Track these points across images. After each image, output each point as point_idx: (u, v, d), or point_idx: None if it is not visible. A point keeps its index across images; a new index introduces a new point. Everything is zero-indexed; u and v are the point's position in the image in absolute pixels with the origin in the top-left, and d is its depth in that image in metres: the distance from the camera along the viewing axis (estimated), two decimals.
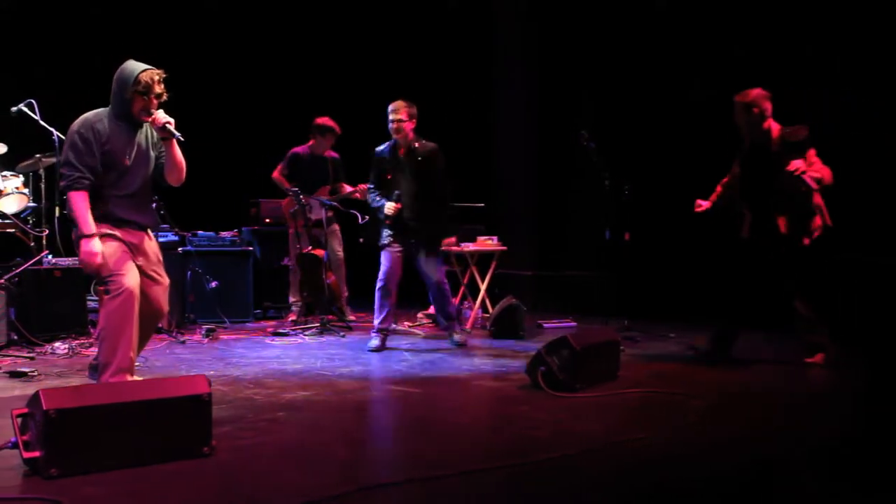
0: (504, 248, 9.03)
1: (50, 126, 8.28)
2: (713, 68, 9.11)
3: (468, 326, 8.74)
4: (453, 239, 7.35)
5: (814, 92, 8.52)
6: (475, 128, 11.88)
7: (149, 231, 5.48)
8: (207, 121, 11.33)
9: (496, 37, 11.73)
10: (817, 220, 6.51)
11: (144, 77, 5.17)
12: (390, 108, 7.40)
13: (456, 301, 9.10)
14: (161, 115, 5.21)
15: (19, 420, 3.67)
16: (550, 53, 10.96)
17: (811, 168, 6.32)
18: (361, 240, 8.27)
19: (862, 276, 8.38)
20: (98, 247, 5.08)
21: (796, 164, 6.27)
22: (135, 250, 5.29)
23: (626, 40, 10.14)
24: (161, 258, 5.54)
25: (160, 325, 8.05)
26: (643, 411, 5.11)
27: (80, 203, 5.10)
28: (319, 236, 9.05)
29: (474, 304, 9.00)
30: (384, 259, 7.45)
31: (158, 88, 5.22)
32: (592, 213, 10.06)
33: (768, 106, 6.51)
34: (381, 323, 7.45)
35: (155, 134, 5.39)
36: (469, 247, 8.92)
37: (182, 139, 5.29)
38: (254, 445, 4.24)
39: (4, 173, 8.49)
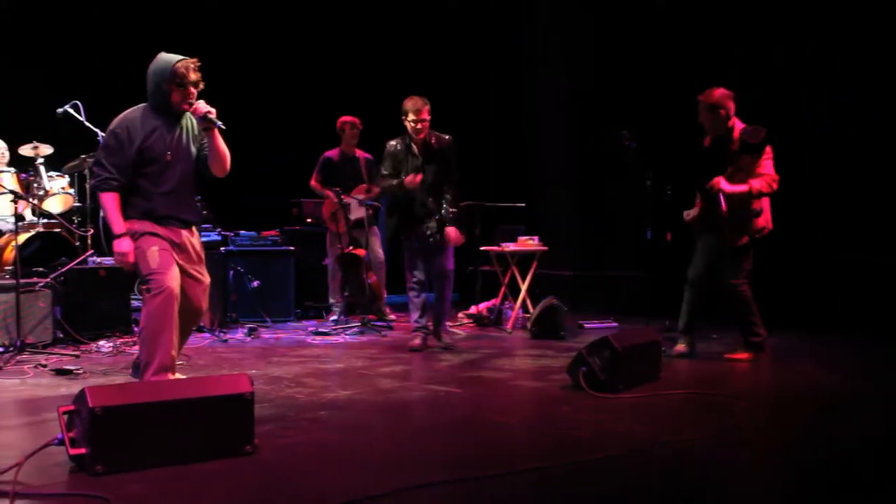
0: (545, 248, 9.01)
1: (95, 127, 8.36)
2: (759, 67, 9.04)
3: (509, 326, 8.73)
4: (456, 234, 7.23)
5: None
6: (516, 128, 11.87)
7: (193, 227, 5.45)
8: (250, 122, 11.42)
9: (537, 37, 11.70)
10: (759, 222, 6.69)
11: (180, 67, 5.13)
12: (412, 107, 7.20)
13: (497, 301, 9.10)
14: (202, 105, 5.18)
15: (66, 417, 3.70)
16: (591, 53, 10.91)
17: (755, 177, 6.55)
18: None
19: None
20: (128, 245, 5.09)
21: (717, 181, 6.56)
22: (176, 248, 5.26)
23: (668, 38, 10.08)
24: (203, 256, 5.52)
25: (202, 324, 8.13)
26: (686, 413, 5.08)
27: (110, 204, 5.11)
28: (359, 236, 9.08)
29: (515, 304, 8.98)
30: (408, 261, 7.41)
31: (195, 77, 5.19)
32: (633, 213, 10.01)
33: (732, 105, 6.68)
34: (418, 321, 7.43)
35: (195, 126, 5.37)
36: (510, 247, 8.91)
37: (224, 128, 5.25)
38: (295, 444, 4.26)
39: (51, 174, 8.61)
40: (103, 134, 8.37)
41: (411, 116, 7.21)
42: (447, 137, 7.37)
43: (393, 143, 7.39)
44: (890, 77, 8.25)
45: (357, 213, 9.08)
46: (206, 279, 5.50)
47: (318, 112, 11.29)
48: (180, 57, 5.17)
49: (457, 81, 11.92)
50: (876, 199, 8.36)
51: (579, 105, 11.04)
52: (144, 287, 5.15)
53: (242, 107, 11.37)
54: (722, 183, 6.57)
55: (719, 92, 6.67)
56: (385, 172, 7.38)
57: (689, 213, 6.99)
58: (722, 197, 6.58)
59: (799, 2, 8.83)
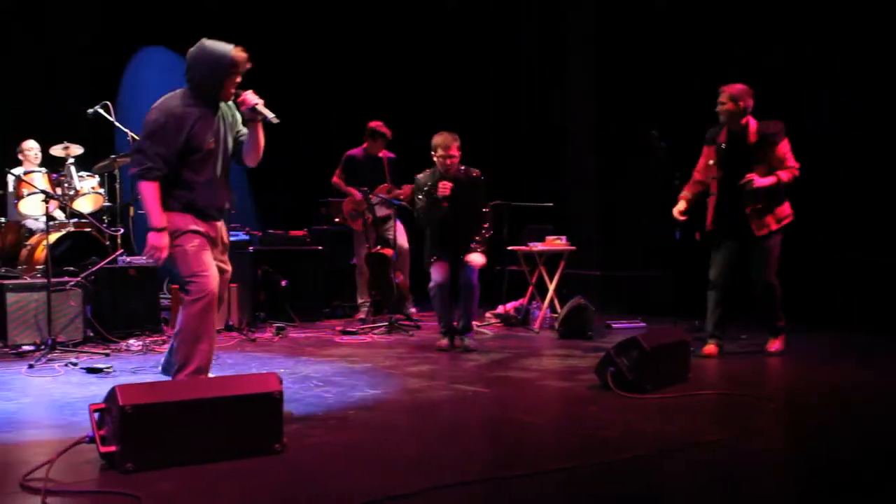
0: (573, 247, 8.98)
1: (124, 127, 8.43)
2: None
3: (536, 326, 8.72)
4: (482, 260, 7.29)
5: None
6: (544, 128, 11.85)
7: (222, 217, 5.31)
8: (278, 122, 11.47)
9: (564, 36, 11.68)
10: (784, 210, 6.82)
11: (238, 57, 4.96)
12: (441, 143, 7.22)
13: (524, 301, 9.09)
14: (251, 96, 5.04)
15: (96, 415, 3.74)
16: (618, 52, 10.87)
17: (778, 168, 6.68)
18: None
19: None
20: (165, 241, 4.90)
21: (750, 177, 6.64)
22: (210, 242, 5.12)
23: (694, 38, 10.03)
24: (228, 244, 5.42)
25: (231, 323, 8.17)
26: (715, 413, 5.06)
27: (151, 194, 4.90)
28: (386, 235, 9.09)
29: (542, 303, 8.96)
30: (433, 271, 7.36)
31: (246, 66, 5.03)
32: (661, 213, 9.96)
33: (751, 102, 6.74)
34: (445, 323, 7.42)
35: (233, 115, 5.23)
36: (537, 246, 8.89)
37: (276, 121, 5.09)
38: (323, 444, 4.27)
39: (81, 174, 8.68)
40: (133, 135, 8.54)
41: (440, 152, 7.24)
42: (475, 172, 7.40)
43: (422, 176, 7.43)
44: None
45: (382, 211, 9.10)
46: (229, 268, 5.41)
47: (346, 111, 11.34)
48: (232, 45, 4.99)
49: (487, 81, 11.92)
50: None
51: (607, 105, 11.00)
52: (185, 289, 4.97)
53: (270, 106, 11.44)
54: (755, 180, 6.62)
55: (742, 87, 6.74)
56: (421, 205, 7.41)
57: (679, 210, 7.07)
58: (755, 186, 6.63)
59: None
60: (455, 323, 7.40)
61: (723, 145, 6.85)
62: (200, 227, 5.05)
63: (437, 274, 7.30)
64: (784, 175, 6.67)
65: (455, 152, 7.24)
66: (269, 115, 5.06)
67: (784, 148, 6.74)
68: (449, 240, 7.34)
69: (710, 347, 6.89)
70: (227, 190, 5.28)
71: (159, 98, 5.04)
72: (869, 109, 8.36)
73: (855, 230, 8.46)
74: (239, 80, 5.03)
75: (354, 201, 9.06)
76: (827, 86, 8.56)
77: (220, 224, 5.27)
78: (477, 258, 7.33)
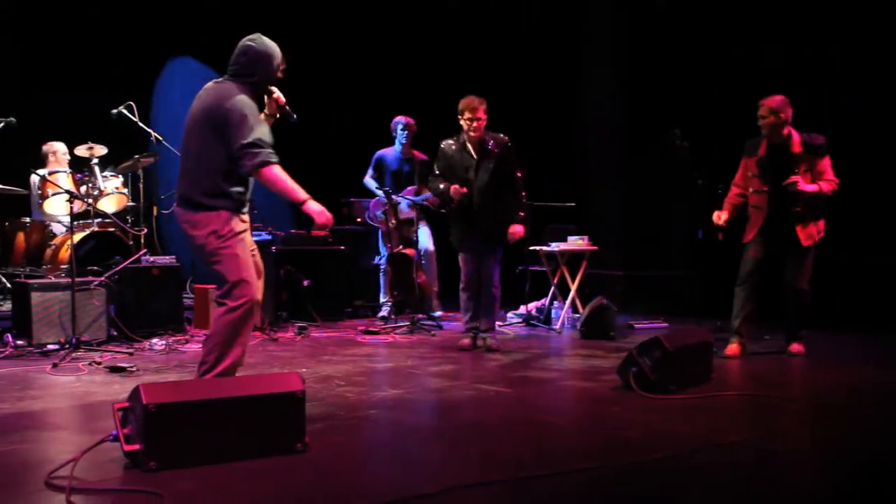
0: (594, 247, 8.96)
1: (147, 127, 8.49)
2: (815, 65, 8.98)
3: (558, 326, 8.71)
4: (522, 231, 7.20)
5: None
6: (565, 128, 11.83)
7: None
8: (300, 122, 11.50)
9: (585, 36, 11.67)
10: (821, 224, 6.91)
11: (282, 55, 4.99)
12: (468, 105, 7.15)
13: (546, 301, 9.08)
14: (280, 94, 5.09)
15: (120, 413, 3.76)
16: (639, 52, 10.86)
17: (818, 180, 6.75)
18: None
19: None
20: (321, 206, 4.88)
21: (795, 178, 6.67)
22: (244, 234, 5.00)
23: (717, 36, 10.01)
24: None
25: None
26: (739, 414, 5.04)
27: (280, 175, 4.79)
28: (409, 235, 9.10)
29: (564, 304, 8.95)
30: (462, 262, 7.38)
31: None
32: (683, 212, 9.94)
33: (790, 112, 6.78)
34: (469, 322, 7.44)
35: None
36: (559, 246, 8.87)
37: (296, 119, 5.16)
38: (346, 443, 4.28)
39: (105, 174, 8.73)
40: (156, 135, 8.59)
41: (467, 115, 7.16)
42: (503, 137, 7.29)
43: (448, 142, 7.34)
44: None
45: (407, 212, 9.11)
46: (258, 260, 5.19)
47: (369, 111, 11.35)
48: (280, 49, 5.00)
49: (506, 81, 11.91)
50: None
51: (629, 104, 10.98)
52: (229, 293, 4.83)
53: (295, 104, 11.47)
54: (800, 182, 6.65)
55: (781, 97, 6.77)
56: (437, 172, 7.34)
57: (721, 216, 7.06)
58: (801, 190, 6.68)
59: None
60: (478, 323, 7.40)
61: (765, 158, 6.86)
62: (246, 225, 4.99)
63: (467, 266, 7.32)
64: (826, 186, 6.73)
65: (482, 115, 7.15)
66: (293, 115, 5.12)
67: (826, 162, 6.80)
68: (480, 220, 7.21)
69: (734, 347, 6.87)
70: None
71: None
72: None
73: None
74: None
75: (382, 202, 9.07)
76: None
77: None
78: (518, 229, 7.27)
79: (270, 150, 4.79)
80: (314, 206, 4.86)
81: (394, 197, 8.96)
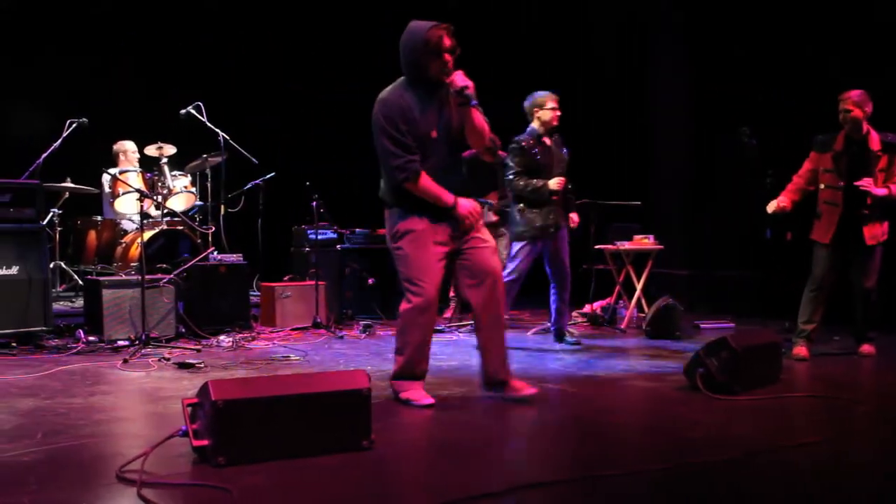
0: (660, 246, 8.88)
1: (216, 127, 8.60)
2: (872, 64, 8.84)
3: (623, 326, 8.65)
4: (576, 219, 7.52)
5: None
6: (633, 126, 11.76)
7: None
8: (364, 119, 11.55)
9: (652, 36, 11.59)
10: (885, 225, 6.80)
11: (433, 35, 4.72)
12: (550, 96, 7.25)
13: (611, 300, 9.03)
14: (458, 78, 4.79)
15: (189, 409, 3.80)
16: (707, 48, 10.75)
17: (890, 181, 6.67)
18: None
19: None
20: (472, 204, 4.89)
21: (867, 182, 6.57)
22: (445, 224, 4.92)
23: (785, 32, 9.88)
24: (480, 224, 5.09)
25: (318, 320, 8.25)
26: (806, 416, 4.97)
27: (428, 184, 4.77)
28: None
29: (629, 303, 8.89)
30: (525, 254, 7.36)
31: (449, 43, 4.76)
32: (751, 211, 9.80)
33: (870, 108, 6.65)
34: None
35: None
36: (625, 245, 8.81)
37: (477, 105, 4.88)
38: (411, 441, 4.30)
39: (174, 173, 8.87)
40: (224, 135, 8.70)
41: (550, 104, 7.25)
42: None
43: (524, 138, 7.31)
44: None
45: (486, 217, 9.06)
46: (491, 242, 5.13)
47: None
48: (432, 23, 4.77)
49: (580, 81, 11.86)
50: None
51: (696, 101, 10.88)
52: (405, 290, 4.98)
53: (359, 105, 11.53)
54: (871, 185, 6.58)
55: (862, 91, 6.66)
56: (519, 170, 7.30)
57: (775, 206, 6.97)
58: (870, 194, 6.61)
59: None
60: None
61: (843, 154, 6.73)
62: (425, 224, 4.90)
63: (526, 262, 7.37)
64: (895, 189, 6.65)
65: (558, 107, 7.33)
66: (474, 101, 4.85)
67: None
68: (555, 212, 7.34)
69: (803, 350, 6.77)
70: (459, 176, 5.07)
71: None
72: None
73: None
74: (448, 59, 4.77)
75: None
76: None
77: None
78: (575, 217, 7.59)
79: (407, 162, 4.75)
80: (460, 208, 4.88)
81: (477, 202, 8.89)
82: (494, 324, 5.06)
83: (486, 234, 5.12)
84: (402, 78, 4.91)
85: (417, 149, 4.80)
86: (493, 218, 8.94)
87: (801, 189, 6.96)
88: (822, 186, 6.83)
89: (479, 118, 4.94)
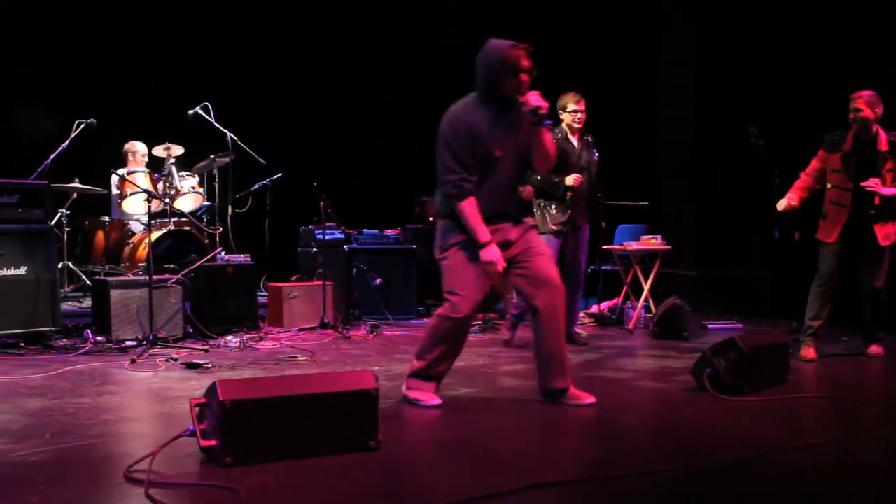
0: (668, 247, 8.87)
1: (224, 128, 8.61)
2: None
3: (630, 326, 8.64)
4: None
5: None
6: (639, 126, 11.75)
7: (524, 222, 5.05)
8: (375, 120, 11.57)
9: (656, 36, 11.59)
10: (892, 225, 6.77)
11: (512, 54, 4.72)
12: (574, 98, 7.40)
13: (618, 300, 9.02)
14: (533, 98, 4.77)
15: (197, 409, 3.81)
16: (712, 49, 10.74)
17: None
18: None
19: None
20: (497, 253, 4.80)
21: (875, 181, 6.56)
22: (504, 246, 4.92)
23: (792, 34, 9.86)
24: (545, 250, 5.15)
25: (326, 320, 8.26)
26: (814, 416, 4.97)
27: (472, 210, 4.78)
28: None
29: (637, 303, 8.88)
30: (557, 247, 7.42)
31: (526, 64, 4.75)
32: (758, 211, 9.78)
33: (881, 110, 6.64)
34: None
35: (523, 116, 4.91)
36: (632, 245, 8.80)
37: (549, 124, 4.92)
38: (418, 441, 4.30)
39: (182, 173, 8.88)
40: (232, 136, 8.71)
41: (572, 107, 7.40)
42: (589, 136, 7.66)
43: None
44: None
45: None
46: (546, 251, 5.17)
47: (441, 108, 11.36)
48: (511, 43, 4.76)
49: (587, 81, 11.85)
50: None
51: (703, 103, 10.86)
52: (444, 301, 4.98)
53: (367, 105, 11.54)
54: (878, 185, 6.57)
55: (873, 92, 6.66)
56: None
57: (785, 204, 6.98)
58: (877, 198, 6.62)
59: None
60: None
61: (852, 154, 6.73)
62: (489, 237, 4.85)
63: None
64: None
65: (583, 107, 7.44)
66: (546, 121, 4.86)
67: None
68: (572, 210, 7.42)
69: (811, 350, 6.75)
70: (517, 197, 5.10)
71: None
72: None
73: None
74: (524, 79, 4.78)
75: None
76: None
77: (517, 229, 5.01)
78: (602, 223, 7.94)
79: (461, 179, 4.77)
80: (486, 252, 4.82)
81: None
82: (556, 333, 4.98)
83: (540, 242, 5.13)
84: (474, 94, 4.91)
85: (477, 169, 4.81)
86: None
87: (809, 187, 6.96)
88: (829, 186, 6.83)
89: (549, 140, 4.97)
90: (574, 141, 7.46)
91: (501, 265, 4.83)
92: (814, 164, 6.94)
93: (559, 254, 7.37)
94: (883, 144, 6.63)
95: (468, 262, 4.88)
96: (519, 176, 5.07)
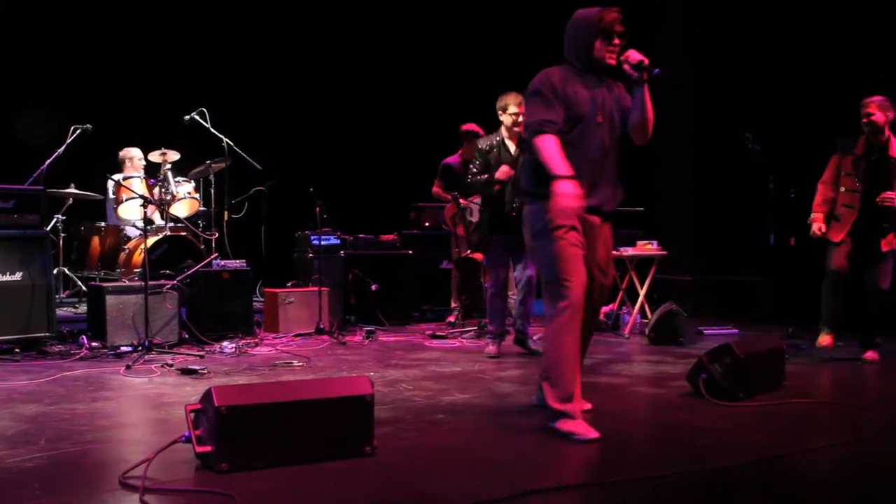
0: (663, 252, 8.88)
1: (220, 133, 8.61)
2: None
3: (626, 332, 8.64)
4: None
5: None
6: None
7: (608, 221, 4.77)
8: (369, 126, 11.57)
9: (657, 36, 11.59)
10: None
11: (606, 15, 4.51)
12: (514, 101, 7.02)
13: (614, 306, 9.02)
14: (633, 54, 4.49)
15: (192, 415, 3.80)
16: (709, 54, 10.76)
17: None
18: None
19: None
20: (573, 188, 4.24)
21: (891, 195, 6.60)
22: (585, 237, 4.57)
23: (790, 37, 9.88)
24: (612, 248, 4.88)
25: (322, 326, 8.25)
26: (810, 422, 4.96)
27: (550, 144, 4.37)
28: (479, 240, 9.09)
29: (633, 309, 8.88)
30: (492, 260, 7.33)
31: (620, 28, 4.53)
32: (754, 216, 9.80)
33: (892, 115, 6.68)
34: (497, 329, 7.31)
35: (620, 92, 4.72)
36: (628, 251, 8.80)
37: (657, 72, 4.53)
38: (414, 446, 4.29)
39: (178, 179, 8.87)
40: (228, 141, 8.72)
41: (512, 109, 7.06)
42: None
43: (485, 140, 7.28)
44: None
45: (477, 216, 9.09)
46: (607, 280, 4.82)
47: (436, 116, 11.38)
48: (601, 8, 4.55)
49: None
50: None
51: (698, 107, 10.88)
52: (549, 292, 4.52)
53: (362, 112, 11.55)
54: (894, 199, 6.62)
55: (884, 97, 6.71)
56: (475, 170, 7.23)
57: (818, 225, 6.99)
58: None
59: None
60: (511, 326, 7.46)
61: (863, 158, 6.78)
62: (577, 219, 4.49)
63: (496, 269, 7.27)
64: None
65: (524, 109, 7.10)
66: (655, 69, 4.52)
67: None
68: (509, 206, 7.07)
69: (828, 338, 6.80)
70: (611, 180, 4.80)
71: None
72: None
73: None
74: (618, 42, 4.55)
75: (454, 207, 9.09)
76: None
77: (599, 220, 4.73)
78: None
79: (545, 119, 4.43)
80: (559, 186, 4.28)
81: (468, 203, 8.93)
82: (587, 331, 4.73)
83: (611, 235, 4.85)
84: (563, 64, 4.68)
85: (568, 124, 4.49)
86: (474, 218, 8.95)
87: (829, 200, 7.02)
88: (842, 189, 6.86)
89: (650, 104, 4.68)
90: (511, 147, 7.15)
91: (579, 202, 4.29)
92: (829, 172, 7.02)
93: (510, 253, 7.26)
94: (894, 151, 6.68)
95: (569, 245, 4.45)
96: (615, 146, 4.78)
